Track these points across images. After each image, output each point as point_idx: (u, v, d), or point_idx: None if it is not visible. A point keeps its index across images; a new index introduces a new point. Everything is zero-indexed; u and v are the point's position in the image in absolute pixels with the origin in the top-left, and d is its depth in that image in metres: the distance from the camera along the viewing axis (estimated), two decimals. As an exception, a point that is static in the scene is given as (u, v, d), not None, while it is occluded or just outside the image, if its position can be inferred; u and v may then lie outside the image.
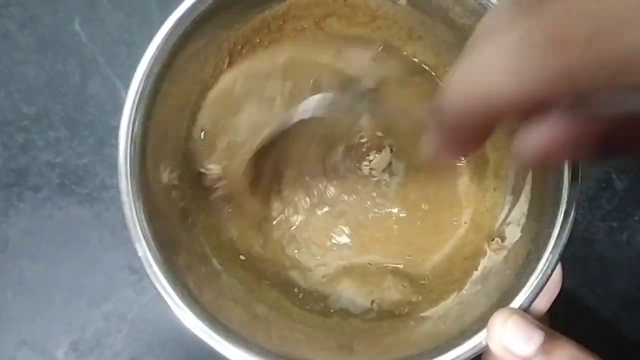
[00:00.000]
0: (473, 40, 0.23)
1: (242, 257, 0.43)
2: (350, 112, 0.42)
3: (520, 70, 0.19)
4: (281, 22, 0.42)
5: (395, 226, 0.46)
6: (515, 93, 0.20)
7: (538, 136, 0.22)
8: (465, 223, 0.44)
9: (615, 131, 0.23)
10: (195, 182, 0.42)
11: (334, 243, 0.45)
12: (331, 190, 0.46)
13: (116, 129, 0.39)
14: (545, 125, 0.22)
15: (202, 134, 0.41)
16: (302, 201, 0.46)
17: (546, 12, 0.18)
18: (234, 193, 0.43)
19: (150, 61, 0.35)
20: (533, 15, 0.19)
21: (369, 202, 0.46)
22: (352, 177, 0.46)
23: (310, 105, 0.40)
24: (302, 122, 0.41)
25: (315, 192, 0.46)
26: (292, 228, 0.45)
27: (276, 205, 0.45)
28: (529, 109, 0.21)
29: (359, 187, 0.46)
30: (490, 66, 0.20)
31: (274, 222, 0.45)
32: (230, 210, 0.43)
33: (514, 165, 0.42)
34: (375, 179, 0.46)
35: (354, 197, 0.46)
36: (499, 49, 0.20)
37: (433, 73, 0.44)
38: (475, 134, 0.24)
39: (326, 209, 0.46)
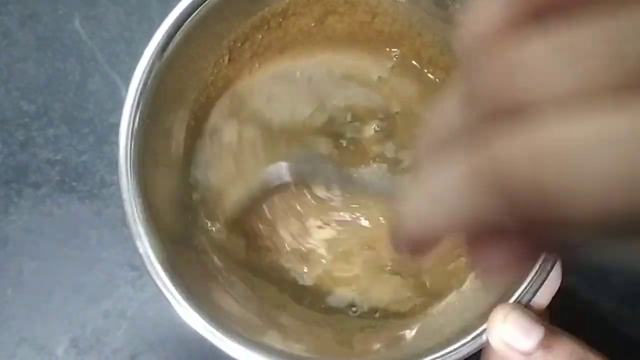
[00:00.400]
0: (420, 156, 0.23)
1: (241, 255, 0.43)
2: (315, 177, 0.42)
3: (468, 205, 0.19)
4: (281, 19, 0.42)
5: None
6: (464, 225, 0.20)
7: (489, 261, 0.22)
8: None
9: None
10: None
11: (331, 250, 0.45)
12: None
13: (116, 126, 0.39)
14: (494, 251, 0.22)
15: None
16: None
17: (495, 148, 0.18)
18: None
19: (150, 58, 0.35)
20: (474, 138, 0.18)
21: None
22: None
23: (280, 172, 0.41)
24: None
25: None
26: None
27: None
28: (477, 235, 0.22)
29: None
30: (439, 200, 0.20)
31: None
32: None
33: None
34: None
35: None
36: (445, 179, 0.20)
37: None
38: (427, 246, 0.24)
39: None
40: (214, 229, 0.43)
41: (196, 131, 0.42)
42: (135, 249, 0.34)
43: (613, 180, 0.15)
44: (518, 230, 0.20)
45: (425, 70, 0.45)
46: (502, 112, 0.17)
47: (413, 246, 0.23)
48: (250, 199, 0.42)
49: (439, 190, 0.20)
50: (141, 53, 0.35)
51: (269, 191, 0.42)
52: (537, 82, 0.16)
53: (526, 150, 0.17)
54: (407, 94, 0.45)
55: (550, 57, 0.16)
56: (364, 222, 0.44)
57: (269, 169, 0.41)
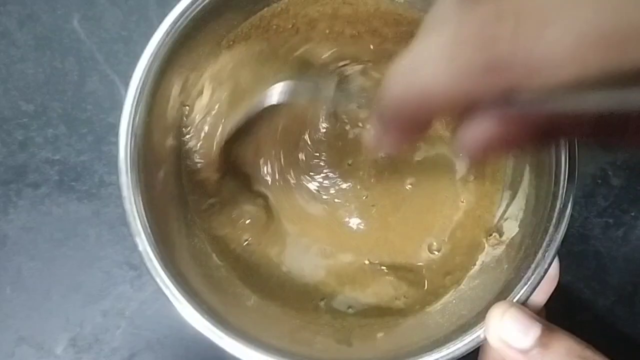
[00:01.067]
0: (417, 34, 0.24)
1: (239, 253, 0.43)
2: (314, 98, 0.42)
3: (450, 67, 0.20)
4: (280, 19, 0.42)
5: (388, 223, 0.46)
6: (447, 89, 0.21)
7: (473, 133, 0.23)
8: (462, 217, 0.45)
9: (544, 125, 0.24)
10: (193, 176, 0.42)
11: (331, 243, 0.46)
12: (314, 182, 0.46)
13: (114, 126, 0.39)
14: (478, 123, 0.23)
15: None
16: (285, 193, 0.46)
17: (479, 10, 0.20)
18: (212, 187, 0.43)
19: (150, 57, 0.35)
20: (466, 13, 0.20)
21: (357, 196, 0.46)
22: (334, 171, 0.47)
23: (275, 92, 0.40)
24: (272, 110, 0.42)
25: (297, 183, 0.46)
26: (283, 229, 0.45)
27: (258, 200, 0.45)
28: (463, 105, 0.22)
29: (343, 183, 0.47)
30: (424, 63, 0.21)
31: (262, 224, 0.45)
32: (218, 206, 0.44)
33: (511, 161, 0.42)
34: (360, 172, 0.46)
35: (341, 191, 0.46)
36: (433, 45, 0.21)
37: None
38: (413, 126, 0.25)
39: (315, 204, 0.46)
40: (208, 203, 0.43)
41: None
42: (133, 248, 0.34)
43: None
44: (500, 105, 0.21)
45: None
46: None
47: (400, 122, 0.24)
48: (244, 119, 0.41)
49: (428, 55, 0.21)
50: (140, 53, 0.36)
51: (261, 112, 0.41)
52: None
53: (511, 5, 0.19)
54: None
55: None
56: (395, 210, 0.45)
57: (265, 90, 0.41)
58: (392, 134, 0.26)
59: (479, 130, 0.23)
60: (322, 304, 0.43)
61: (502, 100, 0.21)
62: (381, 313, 0.42)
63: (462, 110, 0.23)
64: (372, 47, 0.44)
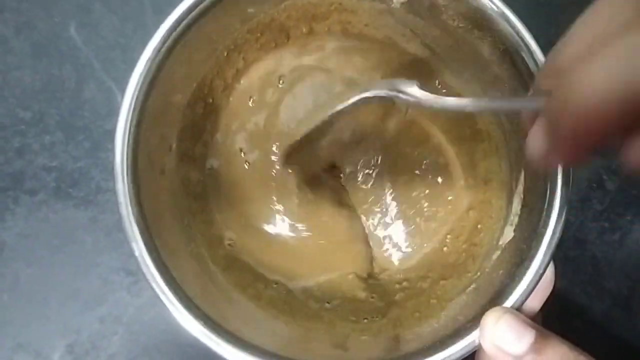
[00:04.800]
0: (581, 34, 0.23)
1: (236, 258, 0.43)
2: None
3: None
4: (276, 26, 0.42)
5: (384, 229, 0.46)
6: None
7: None
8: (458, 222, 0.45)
9: None
10: (189, 183, 0.43)
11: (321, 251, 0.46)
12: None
13: (111, 132, 0.39)
14: None
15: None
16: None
17: None
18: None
19: (146, 64, 0.35)
20: None
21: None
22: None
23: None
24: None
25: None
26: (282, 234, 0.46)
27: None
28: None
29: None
30: (630, 56, 0.20)
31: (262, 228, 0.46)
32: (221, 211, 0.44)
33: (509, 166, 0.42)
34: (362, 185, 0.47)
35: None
36: (636, 38, 0.20)
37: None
38: (594, 139, 0.23)
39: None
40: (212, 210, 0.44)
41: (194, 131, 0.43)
42: (130, 254, 0.34)
43: None
44: None
45: None
46: None
47: (576, 138, 0.23)
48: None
49: (627, 53, 0.20)
50: (136, 59, 0.36)
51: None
52: None
53: None
54: None
55: None
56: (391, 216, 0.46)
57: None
58: (567, 147, 0.25)
59: None
60: (318, 309, 0.43)
61: None
62: (378, 317, 0.42)
63: None
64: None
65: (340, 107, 0.39)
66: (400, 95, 0.35)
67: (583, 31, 0.23)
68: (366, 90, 0.37)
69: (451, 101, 0.33)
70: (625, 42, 0.20)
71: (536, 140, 0.27)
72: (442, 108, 0.33)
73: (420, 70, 0.45)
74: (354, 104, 0.38)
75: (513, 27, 0.35)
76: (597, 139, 0.23)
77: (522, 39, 0.35)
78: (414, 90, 0.34)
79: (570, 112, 0.23)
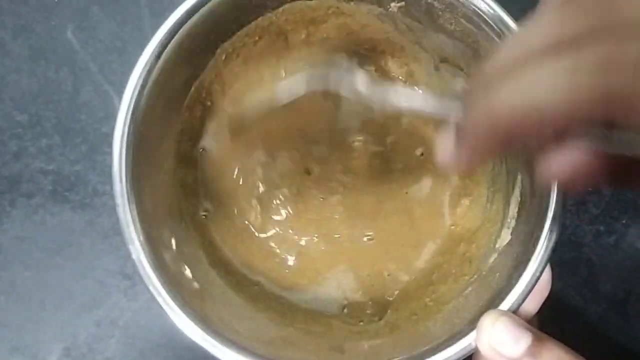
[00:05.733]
0: (510, 49, 0.24)
1: (233, 261, 0.43)
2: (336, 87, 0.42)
3: (569, 92, 0.20)
4: (274, 29, 0.42)
5: (376, 235, 0.46)
6: (558, 114, 0.21)
7: (562, 162, 0.24)
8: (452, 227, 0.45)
9: (630, 170, 0.24)
10: (188, 183, 0.43)
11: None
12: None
13: (108, 136, 0.39)
14: (568, 153, 0.24)
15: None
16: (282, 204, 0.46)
17: (601, 34, 0.20)
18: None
19: (144, 67, 0.35)
20: (588, 38, 0.20)
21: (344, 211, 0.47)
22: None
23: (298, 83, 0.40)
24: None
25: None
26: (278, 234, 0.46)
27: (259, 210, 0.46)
28: (565, 129, 0.23)
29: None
30: (540, 82, 0.21)
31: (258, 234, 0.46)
32: (217, 211, 0.44)
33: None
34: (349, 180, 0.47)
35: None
36: (551, 65, 0.21)
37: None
38: (500, 145, 0.25)
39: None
40: (208, 210, 0.43)
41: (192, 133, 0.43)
42: (127, 258, 0.34)
43: None
44: (594, 138, 0.22)
45: None
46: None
47: (487, 139, 0.24)
48: (259, 112, 0.41)
49: (545, 75, 0.21)
50: (134, 63, 0.36)
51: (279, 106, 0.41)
52: None
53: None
54: None
55: None
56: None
57: (283, 82, 0.40)
58: (474, 152, 0.26)
59: (569, 159, 0.24)
60: (314, 312, 0.43)
61: (601, 134, 0.22)
62: (374, 321, 0.42)
63: (557, 134, 0.24)
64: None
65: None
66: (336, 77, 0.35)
67: (514, 44, 0.24)
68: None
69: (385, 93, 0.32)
70: (545, 67, 0.21)
71: (445, 143, 0.28)
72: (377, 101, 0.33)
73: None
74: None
75: (511, 31, 0.36)
76: (496, 152, 0.25)
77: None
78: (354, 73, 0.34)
79: (474, 122, 0.25)
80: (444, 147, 0.28)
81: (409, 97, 0.32)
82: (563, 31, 0.21)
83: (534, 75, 0.21)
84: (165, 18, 0.36)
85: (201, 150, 0.44)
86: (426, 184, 0.46)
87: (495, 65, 0.24)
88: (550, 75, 0.21)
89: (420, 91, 0.45)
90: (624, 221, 0.49)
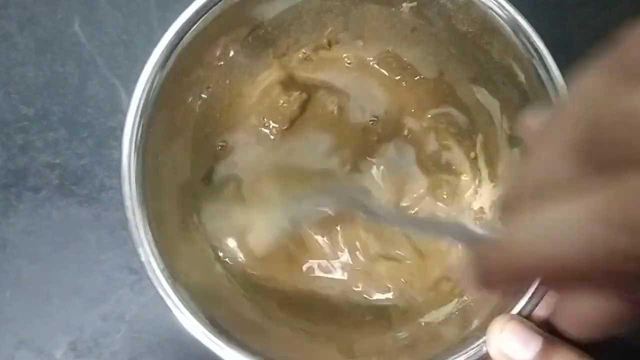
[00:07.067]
0: (521, 180, 0.23)
1: (243, 263, 0.43)
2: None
3: (590, 242, 0.18)
4: (281, 27, 0.42)
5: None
6: (578, 264, 0.19)
7: (581, 309, 0.23)
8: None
9: None
10: (199, 186, 0.43)
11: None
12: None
13: (115, 129, 0.39)
14: (587, 300, 0.23)
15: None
16: None
17: (621, 183, 0.18)
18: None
19: (153, 67, 0.35)
20: (605, 184, 0.19)
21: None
22: None
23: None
24: None
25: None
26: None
27: None
28: (582, 279, 0.21)
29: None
30: (558, 231, 0.19)
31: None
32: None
33: None
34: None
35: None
36: (567, 215, 0.19)
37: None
38: (516, 284, 0.26)
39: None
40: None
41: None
42: (134, 252, 0.34)
43: None
44: (612, 285, 0.21)
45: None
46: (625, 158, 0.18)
47: (504, 281, 0.24)
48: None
49: (562, 224, 0.19)
50: (140, 56, 0.35)
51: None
52: None
53: None
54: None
55: None
56: None
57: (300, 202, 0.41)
58: (491, 286, 0.25)
59: (587, 307, 0.23)
60: (325, 315, 0.43)
61: (620, 285, 0.21)
62: (385, 324, 0.42)
63: (574, 282, 0.22)
64: None
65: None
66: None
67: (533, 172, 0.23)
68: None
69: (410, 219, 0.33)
70: (562, 209, 0.20)
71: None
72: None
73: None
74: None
75: (524, 33, 0.35)
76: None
77: (533, 45, 0.35)
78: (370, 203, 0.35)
79: (491, 265, 0.23)
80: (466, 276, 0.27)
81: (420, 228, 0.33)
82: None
83: (552, 217, 0.20)
84: (172, 11, 0.36)
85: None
86: None
87: (513, 197, 0.24)
88: (568, 221, 0.19)
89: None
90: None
